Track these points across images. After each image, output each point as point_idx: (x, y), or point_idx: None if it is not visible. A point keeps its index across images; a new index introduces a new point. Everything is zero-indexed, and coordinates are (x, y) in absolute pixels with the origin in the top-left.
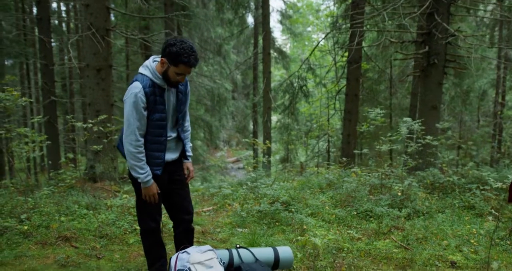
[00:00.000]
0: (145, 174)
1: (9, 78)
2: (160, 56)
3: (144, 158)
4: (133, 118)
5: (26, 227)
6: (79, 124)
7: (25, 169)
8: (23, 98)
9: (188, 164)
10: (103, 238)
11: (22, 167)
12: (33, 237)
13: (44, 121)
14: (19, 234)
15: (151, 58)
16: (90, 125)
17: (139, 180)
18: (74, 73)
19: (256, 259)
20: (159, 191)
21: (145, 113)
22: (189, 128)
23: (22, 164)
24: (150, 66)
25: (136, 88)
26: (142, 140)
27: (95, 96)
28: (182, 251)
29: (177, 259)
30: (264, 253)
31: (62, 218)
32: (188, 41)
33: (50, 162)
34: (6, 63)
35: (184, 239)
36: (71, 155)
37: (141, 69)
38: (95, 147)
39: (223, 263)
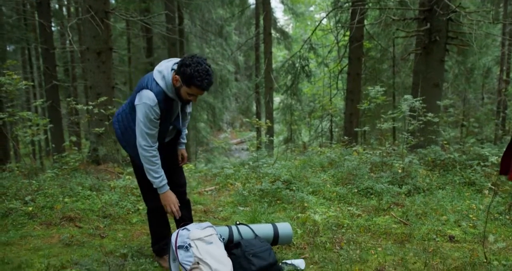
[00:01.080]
0: (159, 178)
1: (10, 62)
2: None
3: (158, 162)
4: (146, 127)
5: (30, 208)
6: (79, 106)
7: (30, 154)
8: (24, 82)
9: (183, 150)
10: (106, 218)
11: (27, 152)
12: (38, 217)
13: (47, 105)
14: (24, 215)
15: (170, 63)
16: (91, 107)
17: (154, 185)
18: (76, 58)
19: (256, 235)
20: (177, 200)
21: (158, 122)
22: (190, 111)
23: (27, 149)
24: (167, 77)
25: (150, 100)
26: (155, 144)
27: (96, 79)
28: (182, 228)
29: (178, 235)
30: (264, 229)
31: (66, 199)
32: (204, 63)
33: (53, 146)
34: (8, 48)
35: (182, 211)
36: (74, 138)
37: (157, 77)
38: (97, 129)
39: (223, 239)
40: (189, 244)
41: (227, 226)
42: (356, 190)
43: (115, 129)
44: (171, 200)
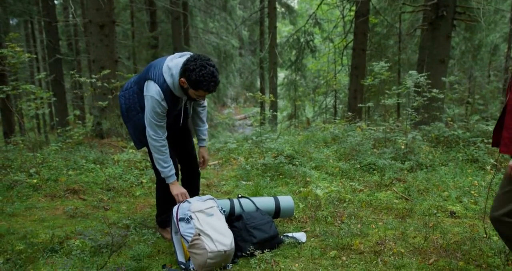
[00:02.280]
0: (168, 167)
1: (13, 35)
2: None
3: (167, 151)
4: (154, 120)
5: (35, 181)
6: (82, 79)
7: (35, 127)
8: (27, 54)
9: (203, 150)
10: (110, 191)
11: (32, 125)
12: (42, 190)
13: (50, 79)
14: (28, 187)
15: (181, 59)
16: (94, 80)
17: (162, 175)
18: (79, 32)
19: (257, 208)
20: (185, 191)
21: (165, 115)
22: (205, 105)
23: (32, 122)
24: (175, 76)
25: (157, 95)
26: (164, 135)
27: (99, 52)
28: (184, 201)
29: (179, 208)
30: (265, 202)
31: (70, 172)
32: (208, 65)
33: (57, 119)
34: (11, 22)
35: (190, 180)
36: (77, 112)
37: (166, 73)
38: (100, 103)
39: (224, 211)
40: (190, 216)
41: (229, 199)
42: (358, 166)
43: (120, 104)
44: (180, 190)
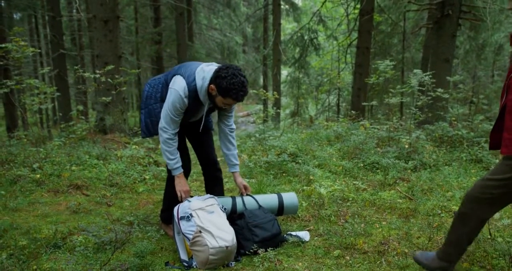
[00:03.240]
0: (174, 159)
1: (17, 29)
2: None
3: (175, 144)
4: (171, 113)
5: (38, 176)
6: (87, 74)
7: (38, 122)
8: (31, 49)
9: (237, 176)
10: (113, 187)
11: (35, 120)
12: (46, 185)
13: (54, 74)
14: (32, 182)
15: (214, 67)
16: (98, 75)
17: (168, 167)
18: (83, 27)
19: (260, 206)
20: (189, 189)
21: (182, 111)
22: (233, 127)
23: (35, 117)
24: (205, 81)
25: (182, 91)
26: (175, 130)
27: (103, 48)
28: (185, 199)
29: (179, 207)
30: (268, 199)
31: (73, 168)
32: (239, 75)
33: (61, 114)
34: (15, 16)
35: (212, 186)
36: (81, 107)
37: (199, 75)
38: (104, 98)
39: (225, 209)
40: (191, 214)
41: (231, 197)
42: (362, 164)
43: (143, 91)
44: (183, 187)
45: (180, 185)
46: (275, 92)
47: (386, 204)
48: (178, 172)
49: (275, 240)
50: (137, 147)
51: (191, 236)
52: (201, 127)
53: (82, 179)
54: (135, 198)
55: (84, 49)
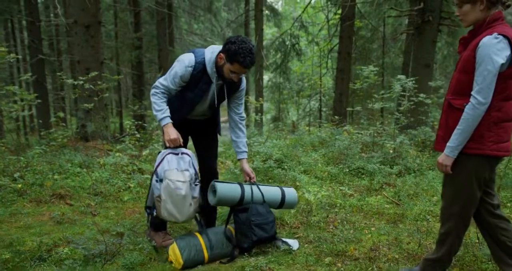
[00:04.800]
0: (160, 111)
1: None
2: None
3: (162, 98)
4: (171, 78)
5: (20, 185)
6: (69, 81)
7: (15, 129)
8: (11, 55)
9: (244, 163)
10: (97, 196)
11: (12, 127)
12: (28, 195)
13: (32, 80)
14: (13, 192)
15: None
16: (81, 82)
17: (156, 119)
18: (61, 31)
19: (264, 201)
20: (181, 139)
21: (181, 83)
22: (243, 115)
23: (12, 124)
24: (214, 54)
25: (188, 61)
26: (167, 91)
27: (84, 53)
28: (174, 152)
29: (163, 159)
30: (272, 192)
31: (56, 176)
32: (249, 43)
33: (40, 121)
34: None
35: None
36: (61, 114)
37: (208, 50)
38: (86, 105)
39: (196, 185)
40: (161, 180)
41: (239, 184)
42: (347, 170)
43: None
44: (171, 135)
45: (167, 134)
46: (260, 99)
47: (373, 210)
48: (165, 122)
49: (268, 242)
50: (120, 154)
51: (155, 193)
52: (215, 103)
53: (65, 188)
54: (121, 207)
55: (62, 54)
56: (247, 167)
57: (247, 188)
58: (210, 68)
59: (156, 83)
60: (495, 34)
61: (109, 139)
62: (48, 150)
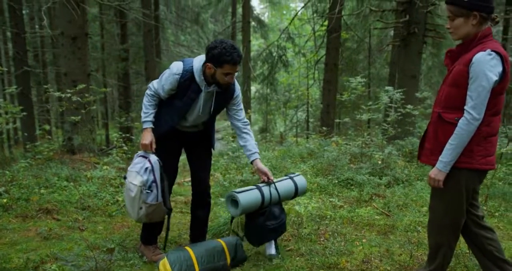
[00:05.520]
0: (146, 113)
1: None
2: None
3: (152, 101)
4: (162, 83)
5: (5, 200)
6: (56, 94)
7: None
8: None
9: (258, 162)
10: (85, 210)
11: None
12: (13, 210)
13: (17, 92)
14: None
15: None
16: (68, 95)
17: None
18: (46, 43)
19: (280, 200)
20: (154, 145)
21: (170, 91)
22: (245, 120)
23: None
24: (203, 61)
25: (176, 69)
26: (157, 95)
27: (71, 65)
28: (141, 157)
29: (133, 160)
30: (287, 188)
31: (42, 191)
32: (227, 41)
33: (25, 134)
34: None
35: (196, 209)
36: (47, 127)
37: (197, 58)
38: (73, 118)
39: (147, 192)
40: (125, 177)
41: (256, 186)
42: (336, 181)
43: None
44: (144, 140)
45: (142, 138)
46: (249, 110)
47: (364, 221)
48: (145, 126)
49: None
50: (107, 167)
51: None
52: (200, 109)
53: (52, 202)
54: (109, 221)
55: (48, 66)
56: (262, 166)
57: (265, 190)
58: (198, 76)
59: (150, 84)
60: (488, 50)
61: (96, 151)
62: (34, 163)
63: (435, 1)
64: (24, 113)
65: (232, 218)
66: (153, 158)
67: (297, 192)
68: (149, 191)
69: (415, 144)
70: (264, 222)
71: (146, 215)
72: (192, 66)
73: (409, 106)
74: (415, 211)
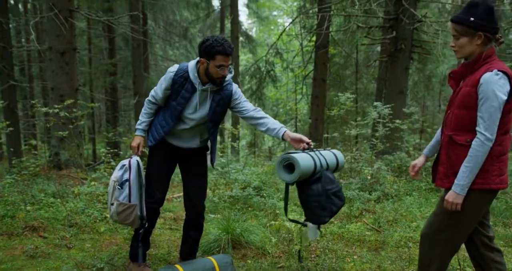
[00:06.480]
0: (140, 121)
1: None
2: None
3: (147, 111)
4: (158, 86)
5: None
6: (43, 109)
7: None
8: None
9: (288, 133)
10: (72, 227)
11: None
12: None
13: (3, 107)
14: None
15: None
16: (56, 110)
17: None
18: (33, 57)
19: (328, 167)
20: (141, 148)
21: (166, 91)
22: (255, 108)
23: None
24: (195, 62)
25: (172, 69)
26: (155, 103)
27: (59, 80)
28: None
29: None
30: (330, 156)
31: (28, 207)
32: (218, 36)
33: (11, 149)
34: None
35: (189, 229)
36: (34, 142)
37: (193, 60)
38: (60, 133)
39: (119, 188)
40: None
41: (307, 152)
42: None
43: None
44: (134, 141)
45: (132, 142)
46: (239, 126)
47: (354, 237)
48: (136, 133)
49: (339, 210)
50: (95, 183)
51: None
52: (197, 107)
53: (39, 219)
54: (97, 239)
55: (34, 80)
56: (294, 134)
57: (312, 154)
58: (192, 74)
59: (152, 91)
60: (495, 70)
61: (83, 167)
62: (19, 179)
63: (421, 18)
64: (11, 128)
65: (287, 187)
66: (134, 158)
67: (338, 163)
68: (120, 188)
69: (404, 159)
70: (324, 187)
71: (116, 213)
72: (187, 65)
73: (397, 121)
74: (405, 226)
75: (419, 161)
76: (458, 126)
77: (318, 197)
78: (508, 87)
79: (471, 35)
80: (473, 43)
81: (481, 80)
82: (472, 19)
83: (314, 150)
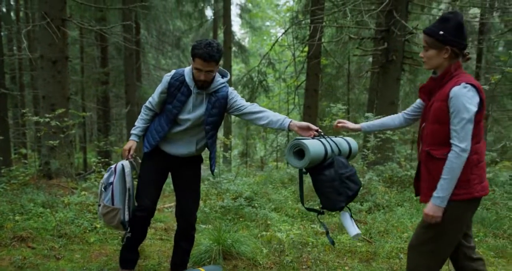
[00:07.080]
0: (135, 126)
1: None
2: None
3: (143, 117)
4: (155, 92)
5: None
6: (34, 119)
7: None
8: None
9: (294, 122)
10: (61, 238)
11: None
12: None
13: None
14: None
15: None
16: (47, 119)
17: None
18: (24, 65)
19: (340, 152)
20: (131, 153)
21: (161, 95)
22: (251, 103)
23: None
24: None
25: (171, 73)
26: (152, 109)
27: (50, 89)
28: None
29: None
30: (342, 142)
31: (17, 217)
32: (209, 39)
33: (1, 158)
34: None
35: (180, 240)
36: (23, 151)
37: (189, 66)
38: (51, 142)
39: (104, 188)
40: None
41: (317, 139)
42: (318, 207)
43: None
44: (126, 145)
45: (126, 145)
46: (231, 136)
47: (346, 248)
48: (130, 138)
49: (357, 194)
50: (85, 193)
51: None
52: (191, 107)
53: (27, 229)
54: (87, 249)
55: (25, 88)
56: (300, 123)
57: (323, 140)
58: (188, 76)
59: (150, 98)
60: (463, 83)
61: (73, 176)
62: (8, 188)
63: (412, 29)
64: (1, 137)
65: (301, 176)
66: (121, 162)
67: (351, 150)
68: (104, 190)
69: (395, 170)
70: (337, 171)
71: (102, 214)
72: (184, 69)
73: (388, 131)
74: (396, 237)
75: (352, 124)
76: (435, 141)
77: (332, 182)
78: (477, 99)
79: (439, 48)
80: (440, 56)
81: (451, 94)
82: (441, 33)
83: (325, 136)
